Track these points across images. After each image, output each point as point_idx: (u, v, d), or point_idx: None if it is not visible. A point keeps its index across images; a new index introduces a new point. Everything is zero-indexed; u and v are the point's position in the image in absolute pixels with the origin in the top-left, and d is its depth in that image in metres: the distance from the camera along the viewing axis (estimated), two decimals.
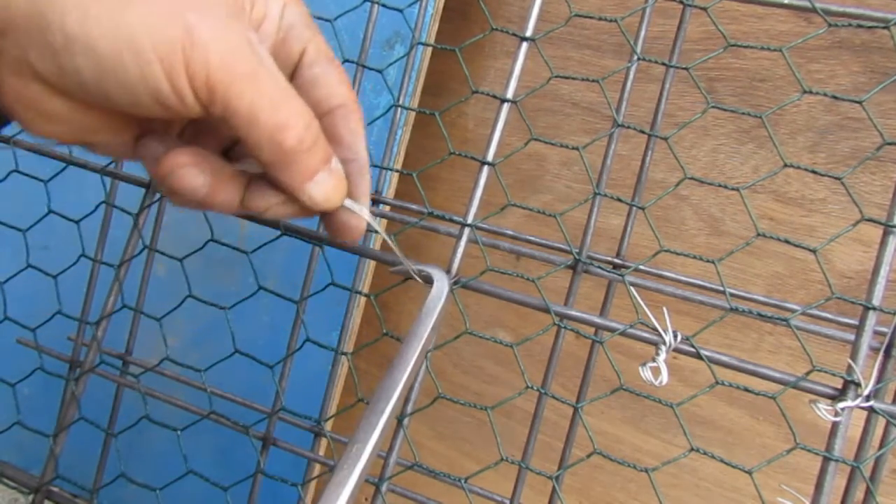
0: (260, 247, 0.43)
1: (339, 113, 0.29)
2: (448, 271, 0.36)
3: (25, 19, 0.23)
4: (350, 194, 0.29)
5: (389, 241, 0.34)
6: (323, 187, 0.27)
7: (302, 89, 0.29)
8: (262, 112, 0.24)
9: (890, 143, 0.32)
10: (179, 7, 0.23)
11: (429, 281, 0.35)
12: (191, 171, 0.26)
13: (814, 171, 0.33)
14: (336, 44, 0.37)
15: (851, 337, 0.38)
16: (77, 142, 0.27)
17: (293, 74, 0.29)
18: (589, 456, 0.35)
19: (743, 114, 0.34)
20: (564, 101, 0.72)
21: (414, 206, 0.49)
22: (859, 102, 0.32)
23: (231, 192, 0.28)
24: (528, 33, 0.38)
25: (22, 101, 0.24)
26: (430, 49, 0.69)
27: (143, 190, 0.46)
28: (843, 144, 0.61)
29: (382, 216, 0.50)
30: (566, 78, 0.38)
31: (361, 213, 0.30)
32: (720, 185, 0.34)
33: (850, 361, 0.31)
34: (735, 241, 0.66)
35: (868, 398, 0.31)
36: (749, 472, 0.32)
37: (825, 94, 0.33)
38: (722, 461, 0.33)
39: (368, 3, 0.49)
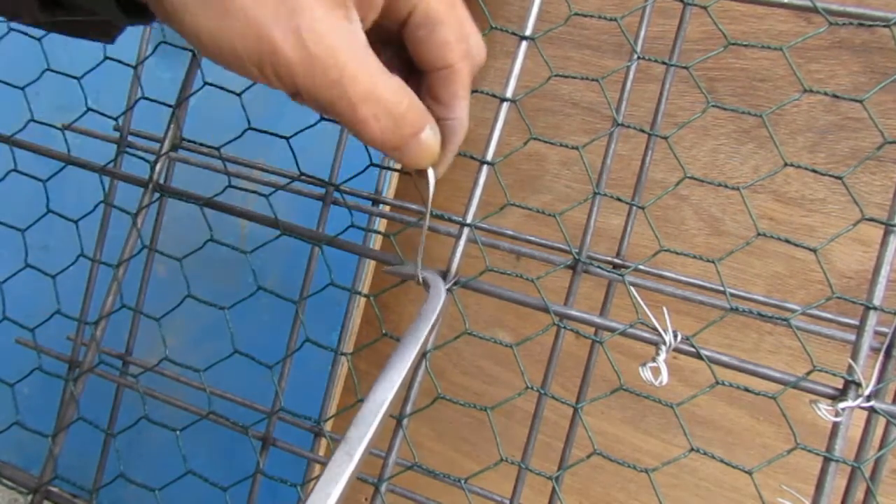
0: (259, 247, 0.43)
1: (441, 74, 0.31)
2: (447, 271, 0.36)
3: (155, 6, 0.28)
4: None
5: (423, 231, 0.35)
6: (409, 155, 0.31)
7: (411, 43, 0.31)
8: (343, 110, 0.28)
9: (890, 143, 0.32)
10: (269, 18, 0.26)
11: (427, 286, 0.35)
12: None
13: (814, 171, 0.33)
14: None
15: (852, 337, 0.38)
16: None
17: (403, 26, 0.31)
18: (589, 456, 0.35)
19: (743, 113, 0.34)
20: (564, 100, 0.72)
21: (414, 206, 0.48)
22: (859, 101, 0.32)
23: None
24: (528, 32, 0.38)
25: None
26: None
27: (141, 189, 0.45)
28: (843, 144, 0.61)
29: (382, 216, 0.50)
30: (566, 77, 0.38)
31: (430, 183, 0.33)
32: (720, 185, 0.34)
33: (850, 361, 0.31)
34: (735, 240, 0.65)
35: (869, 398, 0.31)
36: (749, 473, 0.32)
37: (825, 94, 0.33)
38: (722, 461, 0.33)
39: None
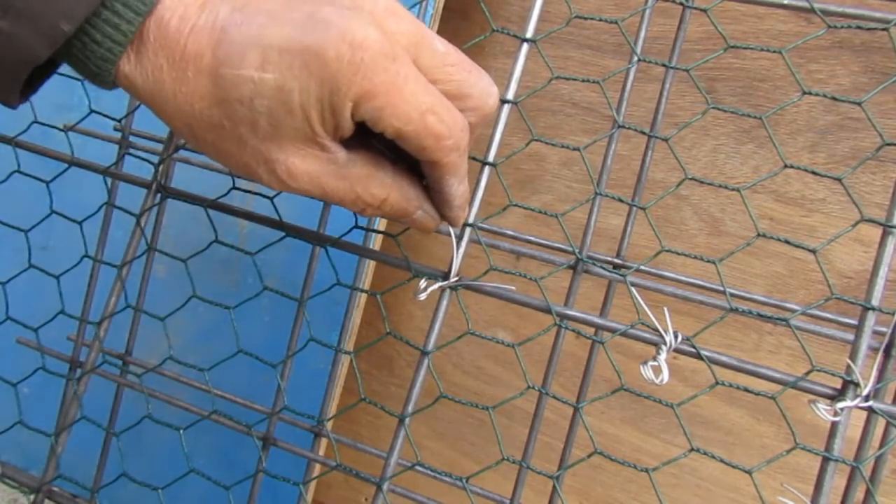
0: (264, 248, 0.43)
1: (425, 163, 0.33)
2: (447, 274, 0.37)
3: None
4: (442, 216, 0.36)
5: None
6: (412, 227, 0.36)
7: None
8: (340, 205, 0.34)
9: (890, 144, 0.33)
10: (253, 164, 0.31)
11: None
12: None
13: (814, 172, 0.33)
14: None
15: (851, 337, 0.39)
16: None
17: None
18: (589, 456, 0.35)
19: (743, 114, 0.34)
20: (564, 101, 0.72)
21: None
22: (858, 104, 0.32)
23: None
24: (529, 34, 0.38)
25: None
26: None
27: (144, 191, 0.46)
28: (843, 144, 0.61)
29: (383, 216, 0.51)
30: (567, 79, 0.38)
31: (449, 228, 0.37)
32: (720, 186, 0.34)
33: (849, 361, 0.31)
34: (735, 241, 0.66)
35: (867, 398, 0.31)
36: (749, 473, 0.32)
37: (825, 95, 0.33)
38: (722, 461, 0.33)
39: None
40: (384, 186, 0.33)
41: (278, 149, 0.30)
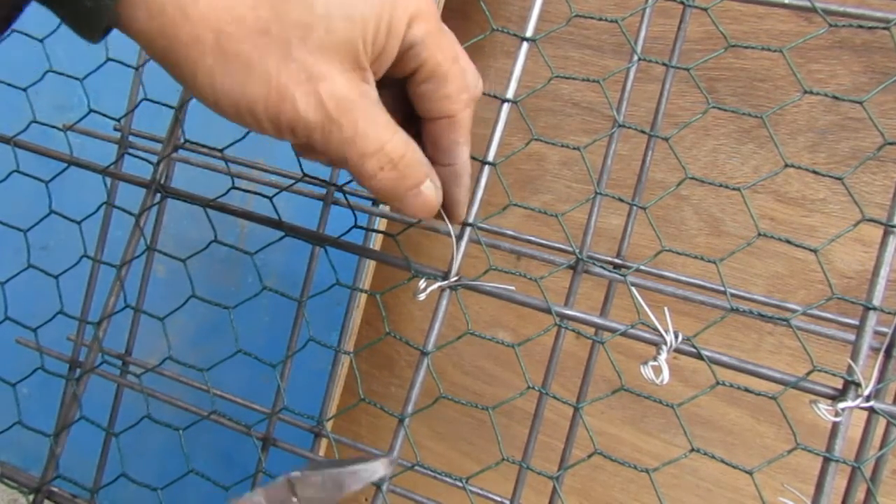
0: (263, 248, 0.43)
1: (443, 122, 0.32)
2: (447, 274, 0.37)
3: (162, 57, 0.28)
4: (445, 197, 0.34)
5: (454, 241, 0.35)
6: (409, 206, 0.33)
7: (414, 94, 0.32)
8: (353, 164, 0.30)
9: (890, 143, 0.32)
10: (292, 83, 0.28)
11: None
12: None
13: (814, 172, 0.33)
14: None
15: (852, 337, 0.38)
16: None
17: (408, 77, 0.32)
18: (589, 456, 0.35)
19: (743, 114, 0.34)
20: (564, 101, 0.72)
21: None
22: (859, 102, 0.32)
23: None
24: (529, 34, 0.38)
25: None
26: None
27: (143, 190, 0.46)
28: (844, 144, 0.61)
29: (383, 216, 0.50)
30: (567, 78, 0.38)
31: (449, 228, 0.35)
32: (721, 185, 0.34)
33: (850, 362, 0.31)
34: (735, 241, 0.66)
35: (868, 398, 0.31)
36: (750, 473, 0.32)
37: (825, 95, 0.33)
38: (723, 461, 0.33)
39: None
40: (404, 141, 0.31)
41: (327, 62, 0.28)
